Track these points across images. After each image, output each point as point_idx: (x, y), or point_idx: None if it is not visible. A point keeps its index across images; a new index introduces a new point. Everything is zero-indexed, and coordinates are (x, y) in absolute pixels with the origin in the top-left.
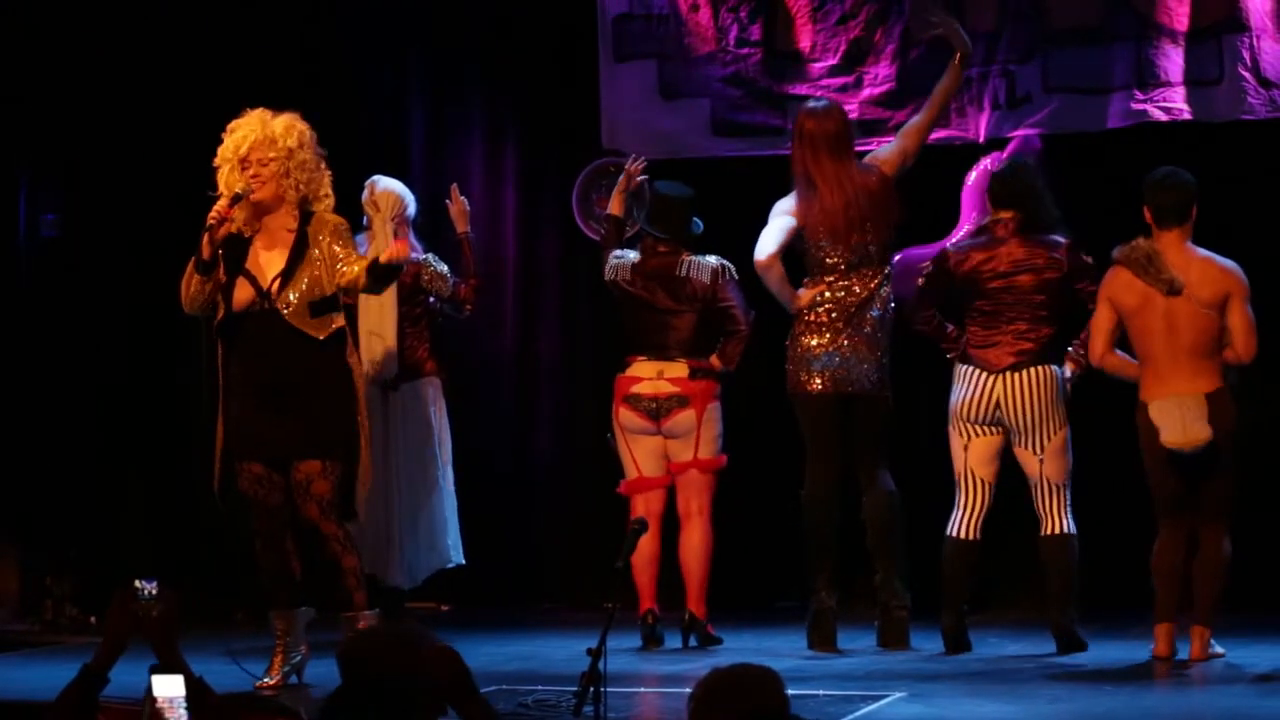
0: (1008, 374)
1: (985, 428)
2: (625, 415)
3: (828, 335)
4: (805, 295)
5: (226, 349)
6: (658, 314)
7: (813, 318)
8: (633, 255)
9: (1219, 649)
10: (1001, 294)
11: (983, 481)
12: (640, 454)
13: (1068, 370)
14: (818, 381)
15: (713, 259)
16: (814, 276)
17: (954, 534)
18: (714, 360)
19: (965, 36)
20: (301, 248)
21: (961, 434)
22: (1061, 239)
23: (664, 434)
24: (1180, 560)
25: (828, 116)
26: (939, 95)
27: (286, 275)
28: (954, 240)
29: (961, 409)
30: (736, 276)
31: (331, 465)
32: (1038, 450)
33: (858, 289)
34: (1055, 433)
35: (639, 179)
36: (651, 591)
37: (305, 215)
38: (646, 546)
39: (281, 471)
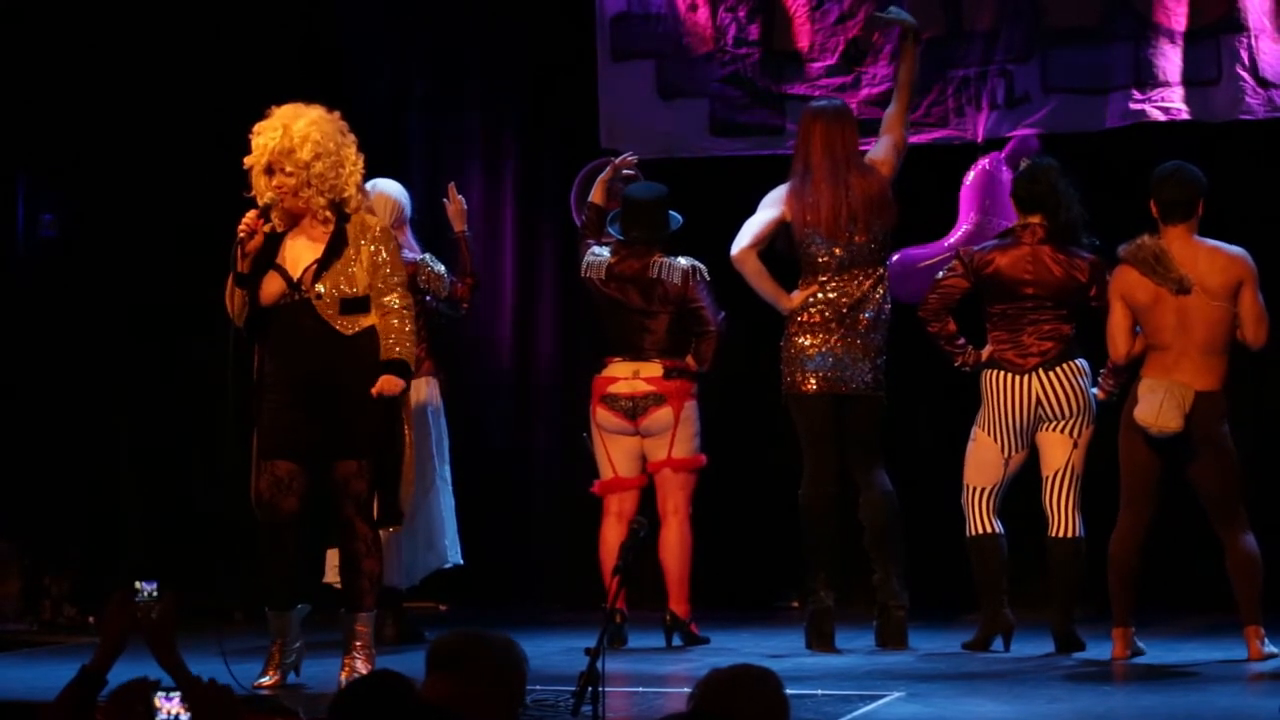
0: (1040, 371)
1: (1024, 438)
2: (602, 415)
3: (820, 336)
4: (797, 296)
5: (260, 345)
6: (632, 315)
7: (806, 318)
8: (608, 254)
9: (1273, 648)
10: (1024, 299)
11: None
12: (616, 454)
13: (1098, 393)
14: (812, 382)
15: (684, 260)
16: (807, 277)
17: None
18: (689, 361)
19: (908, 16)
20: (339, 244)
21: (1004, 448)
22: (1088, 254)
23: (641, 433)
24: (1135, 557)
25: (834, 115)
26: (906, 78)
27: (321, 268)
28: (952, 240)
29: (1006, 419)
30: (708, 278)
31: (368, 464)
32: (1075, 434)
33: (851, 290)
34: (1089, 425)
35: (626, 171)
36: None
37: (343, 214)
38: (616, 546)
39: (308, 473)
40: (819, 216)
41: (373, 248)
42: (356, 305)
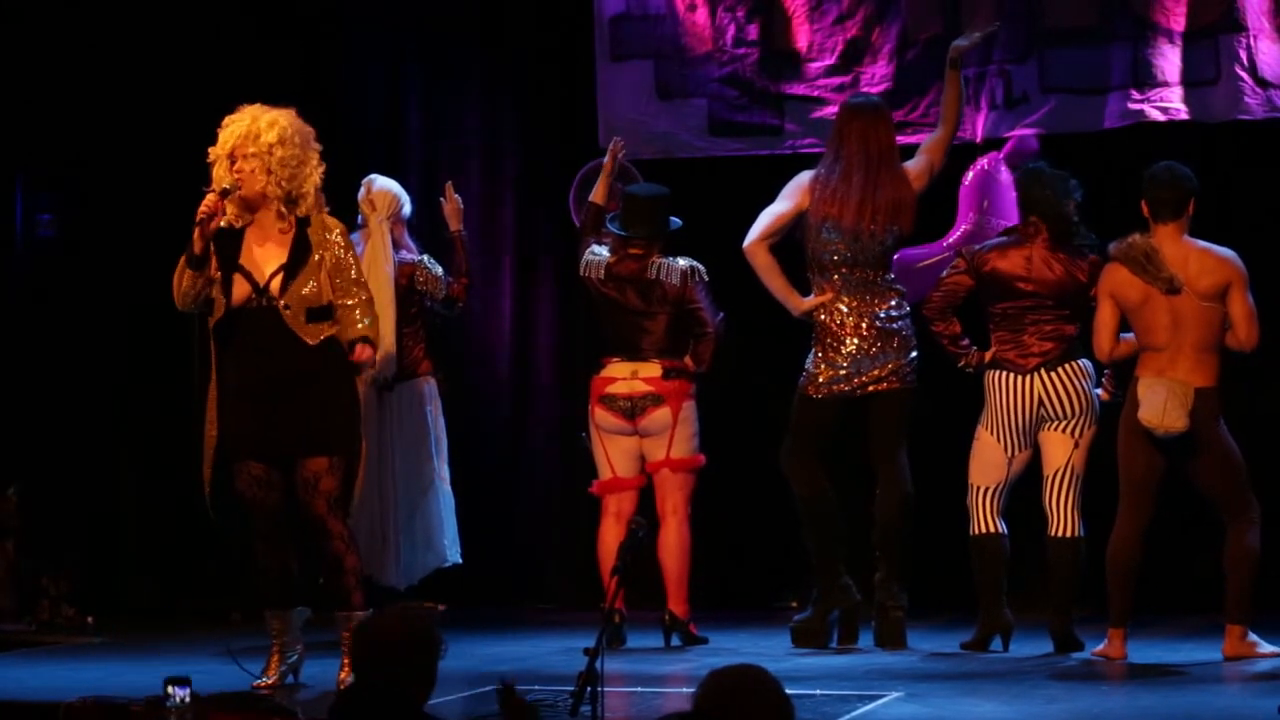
0: (1041, 371)
1: (1027, 438)
2: (601, 415)
3: (841, 342)
4: (808, 302)
5: (221, 347)
6: (630, 315)
7: (825, 326)
8: (607, 254)
9: (1267, 647)
10: (1024, 297)
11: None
12: (615, 454)
13: (1101, 394)
14: (826, 387)
15: (683, 261)
16: (815, 278)
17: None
18: (687, 361)
19: (966, 42)
20: (303, 250)
21: (1007, 448)
22: (1089, 253)
23: (639, 433)
24: (1134, 558)
25: (871, 112)
26: (952, 106)
27: (288, 276)
28: (950, 240)
29: (1009, 419)
30: (706, 279)
31: (338, 461)
32: (1076, 434)
33: (863, 290)
34: (1091, 425)
35: (619, 159)
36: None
37: (302, 217)
38: (614, 547)
39: (281, 470)
40: (843, 208)
41: (335, 256)
42: (322, 314)
